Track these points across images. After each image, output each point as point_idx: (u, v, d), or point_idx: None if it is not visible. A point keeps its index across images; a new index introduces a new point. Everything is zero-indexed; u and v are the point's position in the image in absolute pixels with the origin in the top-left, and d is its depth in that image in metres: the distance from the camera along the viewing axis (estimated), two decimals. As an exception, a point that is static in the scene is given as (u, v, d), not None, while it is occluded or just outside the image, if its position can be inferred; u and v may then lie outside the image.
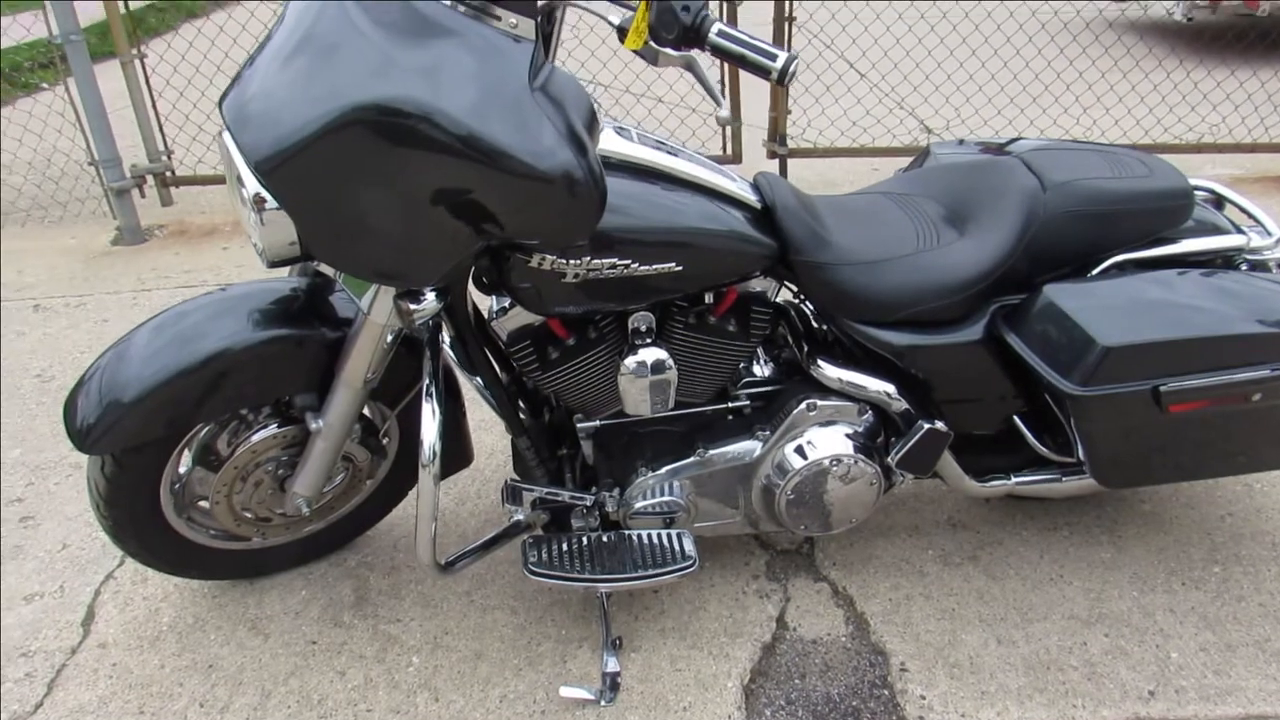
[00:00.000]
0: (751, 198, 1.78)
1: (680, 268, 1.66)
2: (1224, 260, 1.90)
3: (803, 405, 1.87)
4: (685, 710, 1.80)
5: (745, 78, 4.11)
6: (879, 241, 1.83)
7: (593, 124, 1.47)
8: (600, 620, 1.95)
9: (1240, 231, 1.92)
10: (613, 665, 1.87)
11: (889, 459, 1.89)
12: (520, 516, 1.92)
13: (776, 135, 4.16)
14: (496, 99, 1.34)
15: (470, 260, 1.56)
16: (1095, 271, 1.85)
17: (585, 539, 1.90)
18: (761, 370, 1.99)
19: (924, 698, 1.82)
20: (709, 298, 1.82)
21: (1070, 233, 1.80)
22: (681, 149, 1.79)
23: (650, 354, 1.77)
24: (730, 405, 1.93)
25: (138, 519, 1.84)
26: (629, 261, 1.63)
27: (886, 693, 1.84)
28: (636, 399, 1.81)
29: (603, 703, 1.80)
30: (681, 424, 1.95)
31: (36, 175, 4.66)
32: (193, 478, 1.88)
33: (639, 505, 1.90)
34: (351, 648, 1.94)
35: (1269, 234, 1.93)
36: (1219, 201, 2.04)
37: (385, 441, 2.01)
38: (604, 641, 1.91)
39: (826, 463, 1.87)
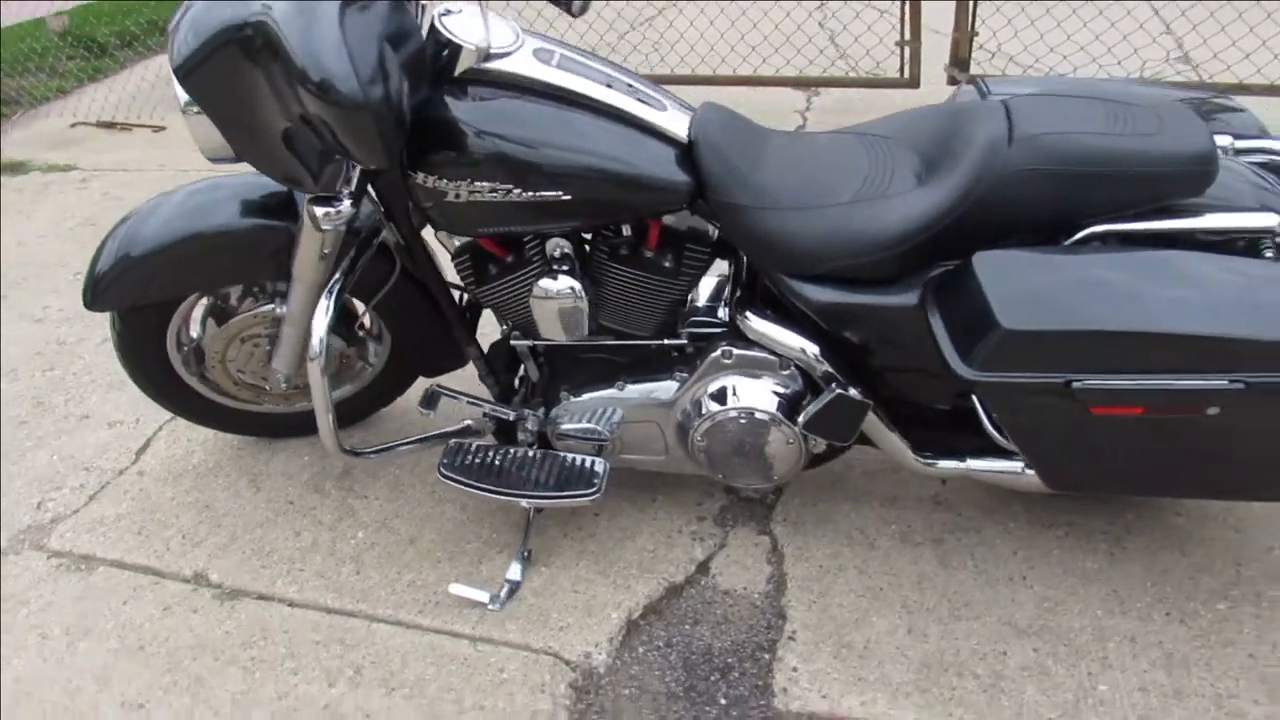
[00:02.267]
0: (677, 131, 1.70)
1: (569, 197, 1.64)
2: (1247, 243, 1.57)
3: (718, 352, 1.80)
4: (561, 630, 1.85)
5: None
6: (814, 187, 1.70)
7: (410, 55, 1.48)
8: (525, 530, 2.02)
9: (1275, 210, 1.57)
10: (515, 574, 1.95)
11: (798, 421, 1.78)
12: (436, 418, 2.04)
13: (957, 59, 3.80)
14: (313, 21, 1.39)
15: (343, 170, 1.63)
16: (1068, 241, 1.60)
17: (507, 451, 1.97)
18: (709, 311, 1.92)
19: (796, 670, 1.75)
20: (627, 230, 1.78)
21: (1036, 193, 1.56)
22: (616, 76, 1.74)
23: (559, 281, 1.78)
24: (666, 342, 1.89)
25: (150, 373, 2.13)
26: (510, 186, 1.63)
27: (766, 657, 1.79)
28: (548, 324, 1.83)
29: (490, 606, 1.89)
30: (622, 354, 1.94)
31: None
32: (201, 342, 2.14)
33: (564, 428, 1.94)
34: (316, 514, 2.16)
35: None
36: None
37: (363, 334, 2.16)
38: (518, 551, 1.99)
39: (735, 413, 1.80)
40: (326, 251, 1.85)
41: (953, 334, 1.54)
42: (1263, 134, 1.79)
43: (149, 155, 4.30)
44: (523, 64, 1.67)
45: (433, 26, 1.64)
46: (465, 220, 1.70)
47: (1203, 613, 1.79)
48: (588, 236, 1.83)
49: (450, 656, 1.81)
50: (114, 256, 1.96)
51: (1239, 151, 1.73)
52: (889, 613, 1.84)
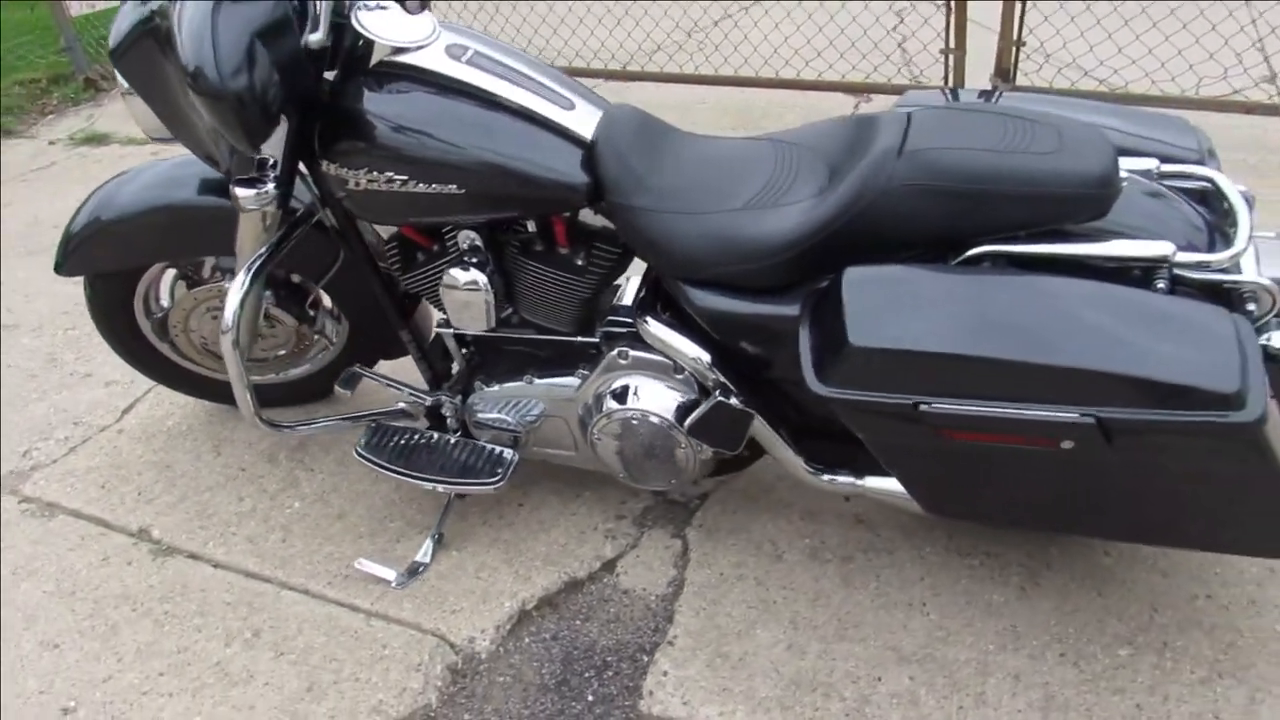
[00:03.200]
0: (580, 131, 1.72)
1: (462, 191, 1.68)
2: (1143, 271, 1.49)
3: (615, 352, 1.81)
4: (453, 613, 1.90)
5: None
6: (709, 192, 1.69)
7: (288, 49, 1.53)
8: (441, 513, 2.08)
9: (1177, 240, 1.49)
10: (424, 556, 2.01)
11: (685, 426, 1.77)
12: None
13: (1000, 68, 3.67)
14: (194, 13, 1.46)
15: (255, 152, 1.70)
16: (956, 260, 1.55)
17: (423, 436, 2.02)
18: (627, 311, 1.93)
19: (666, 674, 1.75)
20: (531, 225, 1.81)
21: (921, 209, 1.52)
22: (531, 74, 1.77)
23: (465, 273, 1.82)
24: (576, 339, 1.90)
25: (121, 337, 2.27)
26: (405, 177, 1.68)
27: (644, 659, 1.79)
28: (456, 312, 1.87)
29: (393, 585, 1.95)
30: (543, 348, 1.96)
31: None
32: (168, 310, 2.27)
33: (479, 417, 1.98)
34: (263, 482, 2.26)
35: (1226, 248, 1.48)
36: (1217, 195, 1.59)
37: (314, 313, 2.25)
38: (431, 533, 2.04)
39: (628, 414, 1.81)
40: (265, 231, 1.93)
41: (814, 348, 1.52)
42: (1202, 158, 1.69)
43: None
44: (431, 59, 1.71)
45: (350, 20, 1.70)
46: (367, 209, 1.76)
47: (1100, 657, 1.71)
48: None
49: (343, 628, 1.88)
50: (84, 223, 2.09)
51: (1164, 175, 1.64)
52: (775, 626, 1.82)
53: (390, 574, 1.96)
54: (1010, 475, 1.50)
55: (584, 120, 1.74)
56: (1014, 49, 3.63)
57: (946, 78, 3.84)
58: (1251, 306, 1.47)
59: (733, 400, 1.71)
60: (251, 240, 1.94)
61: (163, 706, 1.75)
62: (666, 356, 1.78)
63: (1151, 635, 1.74)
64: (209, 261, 2.20)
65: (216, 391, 2.41)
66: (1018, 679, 1.69)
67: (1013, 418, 1.37)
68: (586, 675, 1.78)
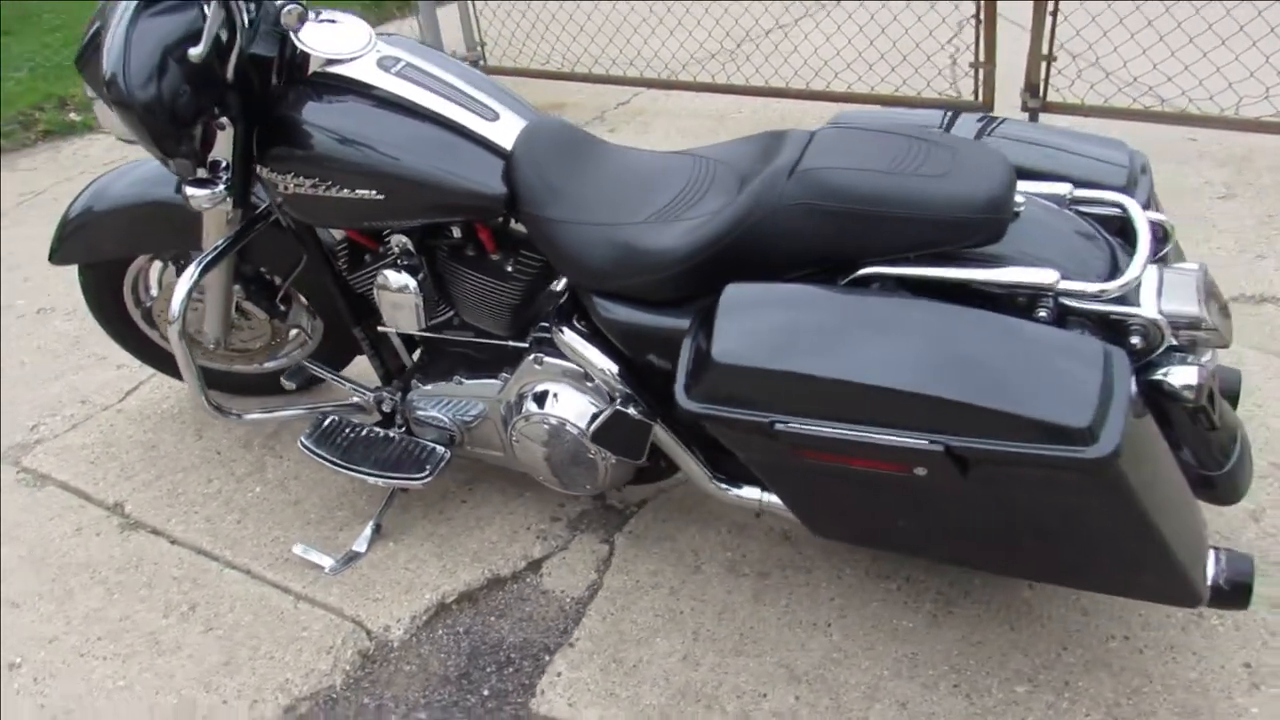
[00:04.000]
0: (500, 142, 1.77)
1: (382, 197, 1.75)
2: (1028, 299, 1.46)
3: (531, 358, 1.86)
4: (375, 602, 1.97)
5: (1006, 10, 3.59)
6: (617, 204, 1.72)
7: (182, 57, 1.62)
8: (382, 505, 2.15)
9: (1072, 268, 1.45)
10: (360, 545, 2.09)
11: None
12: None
13: (1029, 84, 3.57)
14: (116, 24, 1.57)
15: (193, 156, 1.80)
16: (845, 280, 1.55)
17: (363, 430, 2.10)
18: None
19: (560, 675, 1.79)
20: (458, 232, 1.87)
21: (808, 228, 1.52)
22: (460, 86, 1.83)
23: (395, 275, 1.89)
24: (507, 344, 1.95)
25: (113, 323, 2.43)
26: (329, 182, 1.76)
27: (545, 659, 1.83)
28: (388, 313, 1.95)
29: (326, 570, 2.04)
30: (480, 351, 2.02)
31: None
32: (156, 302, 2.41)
33: (417, 414, 2.05)
34: (233, 466, 2.39)
35: (1113, 279, 1.44)
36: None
37: (286, 308, 2.36)
38: (372, 523, 2.12)
39: (539, 419, 1.85)
40: (227, 227, 2.04)
41: (688, 362, 1.53)
42: (1130, 182, 1.64)
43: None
44: (361, 69, 1.79)
45: (289, 31, 1.79)
46: (300, 212, 1.85)
47: (995, 691, 1.68)
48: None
49: (271, 608, 1.97)
50: (77, 214, 2.24)
51: (1077, 200, 1.61)
52: (676, 636, 1.84)
53: (327, 561, 2.04)
54: (873, 499, 1.49)
55: (506, 131, 1.79)
56: (1044, 64, 3.53)
57: (976, 92, 3.76)
58: (1136, 340, 1.43)
59: (631, 410, 1.73)
60: (215, 236, 2.05)
61: (94, 669, 1.87)
62: (578, 364, 1.81)
63: (1055, 674, 1.70)
64: (193, 255, 2.32)
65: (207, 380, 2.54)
66: (904, 707, 1.67)
67: (862, 441, 1.37)
68: (488, 670, 1.82)
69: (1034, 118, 3.59)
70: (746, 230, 1.55)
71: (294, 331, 2.44)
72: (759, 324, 1.45)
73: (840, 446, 1.39)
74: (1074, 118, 3.58)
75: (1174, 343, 1.47)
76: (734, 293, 1.51)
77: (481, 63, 4.91)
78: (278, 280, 2.33)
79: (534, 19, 4.87)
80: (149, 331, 2.46)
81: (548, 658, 1.83)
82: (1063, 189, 1.61)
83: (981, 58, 3.68)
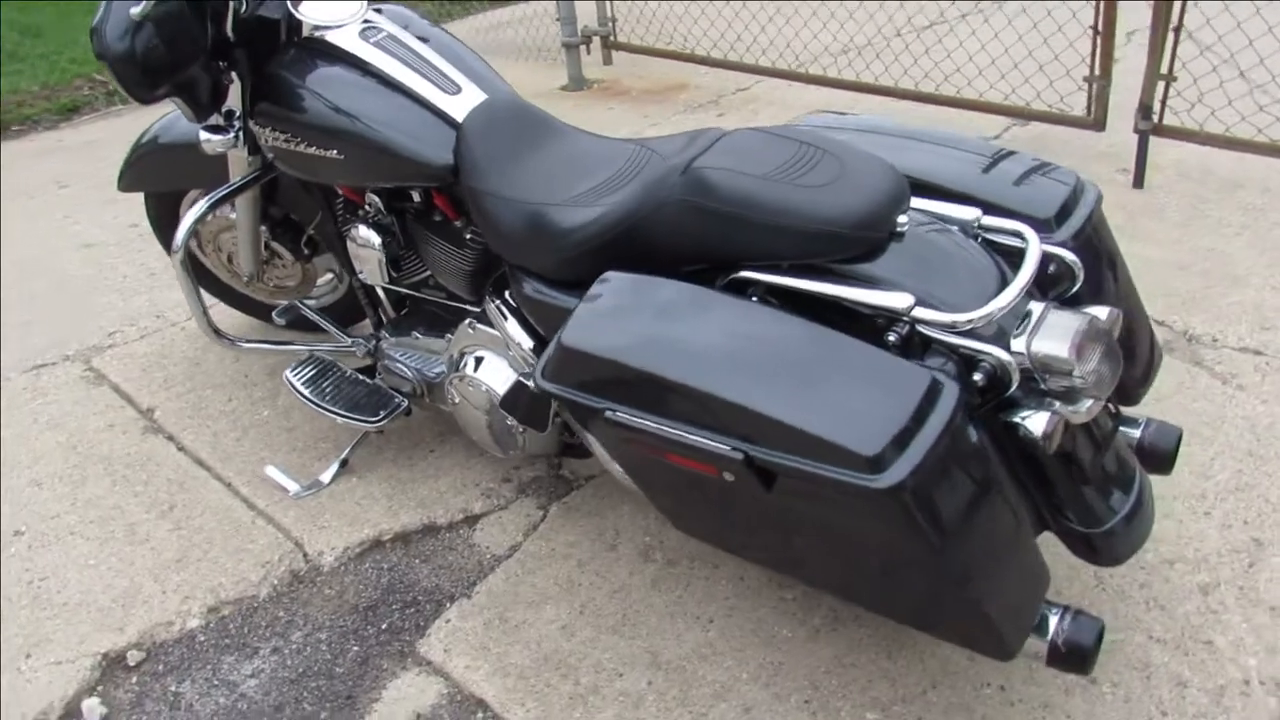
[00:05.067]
0: (454, 114, 1.88)
1: (342, 157, 1.90)
2: (886, 321, 1.43)
3: (466, 322, 1.96)
4: (320, 529, 2.14)
5: (1126, 26, 3.35)
6: (546, 184, 1.78)
7: (179, 25, 1.78)
8: (352, 443, 2.32)
9: (946, 296, 1.41)
10: (325, 477, 2.27)
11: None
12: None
13: (1142, 103, 3.32)
14: None
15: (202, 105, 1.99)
16: (721, 282, 1.56)
17: (344, 374, 2.27)
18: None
19: (449, 622, 1.90)
20: (417, 196, 1.99)
21: (688, 225, 1.55)
22: (431, 59, 1.94)
23: (363, 230, 2.04)
24: (467, 306, 2.06)
25: (161, 231, 2.70)
26: (298, 139, 1.92)
27: (446, 605, 1.95)
28: (358, 265, 2.10)
29: (289, 494, 2.23)
30: (446, 311, 2.15)
31: (541, 24, 5.67)
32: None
33: (385, 364, 2.20)
34: (253, 390, 2.62)
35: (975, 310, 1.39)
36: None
37: (309, 251, 2.55)
38: (339, 458, 2.30)
39: (463, 381, 1.95)
40: (248, 171, 2.24)
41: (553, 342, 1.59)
42: (1054, 217, 1.57)
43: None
44: (342, 37, 1.94)
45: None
46: (282, 163, 2.02)
47: (843, 714, 1.66)
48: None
49: (233, 520, 2.18)
50: (141, 148, 2.52)
51: (984, 228, 1.55)
52: (564, 606, 1.91)
53: (293, 486, 2.23)
54: (704, 500, 1.50)
55: (462, 105, 1.89)
56: (1161, 84, 3.27)
57: (1089, 108, 3.54)
58: (979, 377, 1.37)
59: (530, 381, 1.80)
60: (237, 179, 2.26)
61: (77, 546, 2.14)
62: (500, 333, 1.90)
63: (911, 708, 1.66)
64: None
65: (242, 302, 2.79)
66: (747, 711, 1.67)
67: (674, 439, 1.39)
68: (394, 607, 1.96)
69: (1145, 141, 3.35)
70: (637, 221, 1.59)
71: (329, 275, 2.64)
72: (612, 312, 1.49)
73: (658, 441, 1.41)
74: (1187, 144, 3.31)
75: (1045, 385, 1.40)
76: (608, 279, 1.55)
77: (611, 38, 5.02)
78: (304, 225, 2.52)
79: (680, 3, 4.93)
80: (203, 259, 2.72)
81: (448, 605, 1.94)
82: (971, 214, 1.55)
83: (1096, 71, 3.45)
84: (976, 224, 1.55)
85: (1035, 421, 1.37)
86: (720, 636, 1.82)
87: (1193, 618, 1.79)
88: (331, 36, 1.94)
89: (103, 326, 2.98)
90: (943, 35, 4.59)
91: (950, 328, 1.39)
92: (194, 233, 2.17)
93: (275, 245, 2.51)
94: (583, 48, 4.95)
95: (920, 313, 1.39)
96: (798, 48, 4.68)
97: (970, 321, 1.37)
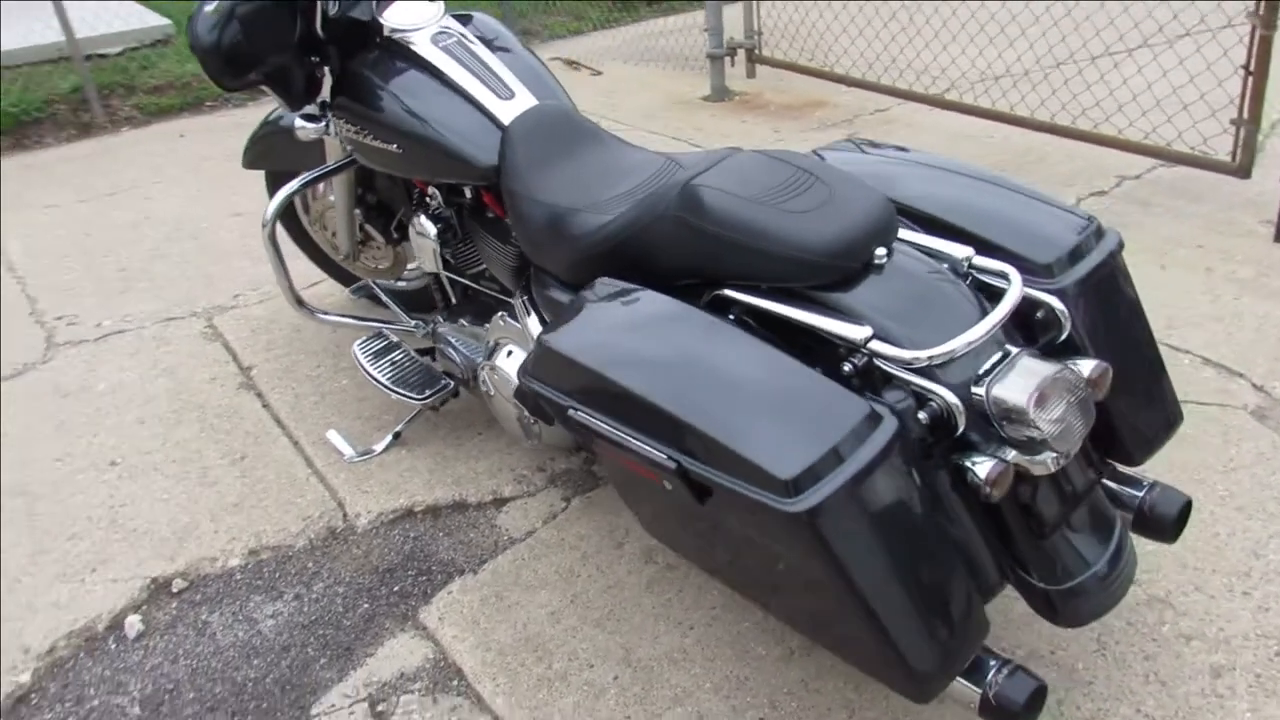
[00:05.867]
0: (502, 117, 1.99)
1: (400, 151, 2.05)
2: (846, 350, 1.44)
3: (499, 314, 2.07)
4: (364, 493, 2.31)
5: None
6: (573, 190, 1.86)
7: (269, 20, 1.96)
8: (408, 418, 2.49)
9: (910, 331, 1.41)
10: (379, 446, 2.44)
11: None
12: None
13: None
14: None
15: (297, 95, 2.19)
16: (705, 298, 1.61)
17: (405, 351, 2.43)
18: None
19: (451, 594, 2.02)
20: (468, 191, 2.12)
21: (677, 240, 1.60)
22: (490, 65, 2.07)
23: (420, 220, 2.19)
24: (511, 299, 2.18)
25: (290, 225, 2.95)
26: (365, 131, 2.08)
27: (454, 578, 2.07)
28: (416, 252, 2.25)
29: (344, 457, 2.41)
30: (498, 303, 2.27)
31: (696, 34, 5.72)
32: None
33: (440, 347, 2.35)
34: (339, 359, 2.83)
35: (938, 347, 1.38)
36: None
37: (399, 236, 2.73)
38: (393, 430, 2.46)
39: (491, 370, 2.06)
40: (337, 158, 2.44)
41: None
42: (1057, 263, 1.53)
43: (571, 89, 5.18)
44: (416, 39, 2.08)
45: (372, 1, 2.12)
46: (357, 154, 2.19)
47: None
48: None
49: (291, 475, 2.38)
50: (262, 129, 2.77)
51: (974, 266, 1.52)
52: (558, 594, 1.99)
53: (348, 450, 2.42)
54: (653, 503, 1.54)
55: (512, 110, 2.00)
56: (1311, 132, 3.03)
57: (1234, 152, 3.31)
58: (924, 416, 1.36)
59: (530, 376, 1.89)
60: (329, 163, 2.47)
61: (156, 481, 2.39)
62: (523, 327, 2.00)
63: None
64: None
65: (346, 278, 3.01)
66: (735, 713, 1.70)
67: (623, 442, 1.44)
68: (410, 573, 2.09)
69: (1287, 191, 3.10)
70: (637, 232, 1.65)
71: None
72: (588, 317, 1.56)
73: (609, 444, 1.47)
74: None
75: (1004, 432, 1.38)
76: (594, 286, 1.62)
77: (756, 51, 5.05)
78: (395, 211, 2.71)
79: (830, 19, 4.90)
80: (312, 232, 2.96)
81: (456, 578, 2.06)
82: (963, 252, 1.53)
83: (1245, 114, 3.23)
84: (968, 262, 1.52)
85: (982, 467, 1.35)
86: (696, 644, 1.85)
87: (1193, 699, 1.69)
88: (405, 39, 2.09)
89: (230, 289, 3.28)
90: (1083, 67, 4.37)
91: (905, 364, 1.38)
92: (282, 211, 2.38)
93: (368, 228, 2.71)
94: (727, 60, 5.00)
95: (877, 345, 1.39)
96: (952, 72, 4.56)
97: (925, 359, 1.36)
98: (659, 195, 1.64)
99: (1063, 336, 1.49)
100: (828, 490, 1.24)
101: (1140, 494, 1.62)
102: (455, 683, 1.82)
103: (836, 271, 1.45)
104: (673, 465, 1.37)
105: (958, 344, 1.36)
